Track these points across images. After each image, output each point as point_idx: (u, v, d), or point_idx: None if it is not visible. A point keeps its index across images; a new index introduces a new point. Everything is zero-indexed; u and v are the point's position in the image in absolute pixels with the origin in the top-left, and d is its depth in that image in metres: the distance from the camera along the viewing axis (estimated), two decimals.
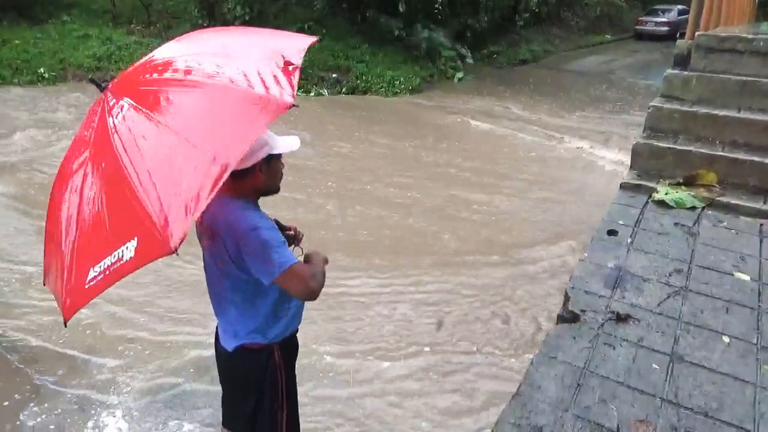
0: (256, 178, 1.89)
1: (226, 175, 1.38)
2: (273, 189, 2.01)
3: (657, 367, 2.61)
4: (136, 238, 1.37)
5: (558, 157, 9.16)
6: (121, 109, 1.61)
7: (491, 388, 3.67)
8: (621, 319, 2.92)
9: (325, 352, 3.90)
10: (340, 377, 3.71)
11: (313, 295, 1.89)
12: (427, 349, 4.04)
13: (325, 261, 2.05)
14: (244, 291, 1.97)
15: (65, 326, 1.55)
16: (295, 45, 1.85)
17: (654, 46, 23.02)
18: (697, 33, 4.81)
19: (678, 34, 24.64)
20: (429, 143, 9.66)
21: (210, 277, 2.07)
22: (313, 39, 1.98)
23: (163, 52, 1.87)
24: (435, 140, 9.86)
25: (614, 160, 8.78)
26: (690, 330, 2.83)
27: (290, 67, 1.70)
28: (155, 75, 1.74)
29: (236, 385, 2.22)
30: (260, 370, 2.10)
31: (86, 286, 1.43)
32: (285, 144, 1.94)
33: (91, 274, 1.42)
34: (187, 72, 1.68)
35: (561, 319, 3.01)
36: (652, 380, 2.53)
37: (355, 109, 12.00)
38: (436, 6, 15.85)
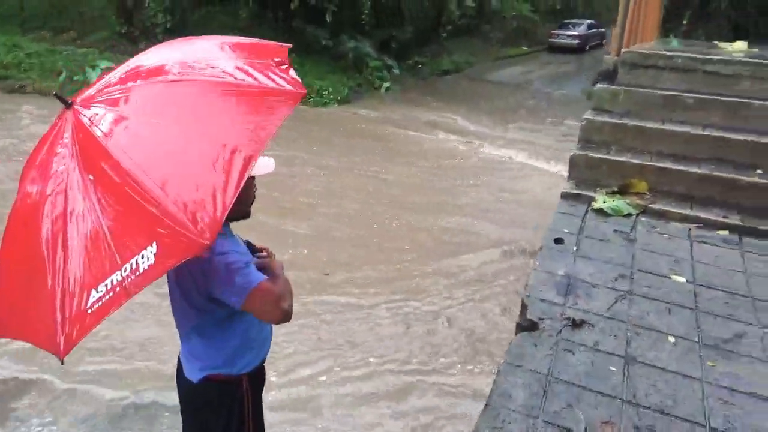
0: None
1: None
2: (243, 213, 1.92)
3: (614, 369, 2.75)
4: (154, 243, 1.30)
5: (487, 162, 9.48)
6: (107, 117, 1.52)
7: None
8: (576, 324, 3.06)
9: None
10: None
11: (285, 317, 1.80)
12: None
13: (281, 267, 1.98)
14: (212, 321, 1.89)
15: (62, 363, 1.43)
16: (276, 50, 1.81)
17: (566, 58, 24.38)
18: (623, 50, 5.14)
19: (587, 47, 26.24)
20: (366, 154, 9.72)
21: (174, 304, 1.96)
22: (287, 45, 1.92)
23: (135, 63, 1.77)
24: (370, 150, 9.94)
25: (539, 167, 9.20)
26: (639, 332, 3.01)
27: (283, 66, 1.68)
28: (139, 81, 1.64)
29: (200, 418, 2.11)
30: (227, 402, 2.02)
31: (89, 311, 1.33)
32: (258, 166, 1.88)
33: (94, 296, 1.33)
34: (181, 73, 1.61)
35: (520, 327, 3.11)
36: (611, 382, 2.67)
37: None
38: (363, 17, 16.01)
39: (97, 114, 1.53)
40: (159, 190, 1.33)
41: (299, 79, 1.62)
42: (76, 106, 1.58)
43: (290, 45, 1.92)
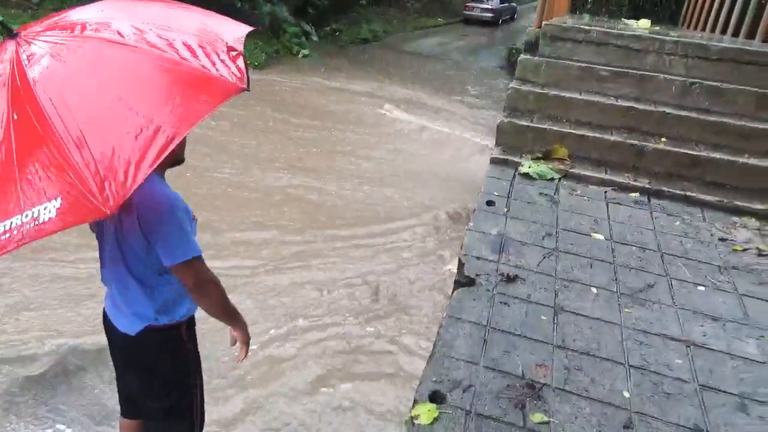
0: None
1: (170, 148, 1.35)
2: (180, 159, 1.92)
3: (545, 318, 2.98)
4: (59, 198, 1.28)
5: (408, 132, 9.63)
6: (43, 61, 1.46)
7: None
8: (510, 279, 3.27)
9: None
10: None
11: (201, 299, 1.85)
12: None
13: (244, 326, 2.03)
14: (152, 269, 1.86)
15: None
16: (234, 33, 1.78)
17: (480, 30, 24.98)
18: (543, 23, 5.38)
19: (500, 21, 26.97)
20: (289, 120, 9.56)
21: (109, 254, 1.90)
22: (249, 28, 1.90)
23: (87, 13, 1.68)
24: (292, 116, 9.79)
25: (464, 136, 9.47)
26: (566, 285, 3.27)
27: (233, 53, 1.65)
28: (86, 32, 1.56)
29: (141, 369, 2.08)
30: (170, 350, 2.02)
31: None
32: None
33: None
34: (127, 35, 1.55)
35: (458, 284, 3.28)
36: (543, 330, 2.90)
37: None
38: None
39: (35, 54, 1.47)
40: (75, 148, 1.31)
41: (244, 71, 1.59)
42: (19, 39, 1.51)
43: (253, 28, 1.89)
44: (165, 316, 1.95)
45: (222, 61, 1.58)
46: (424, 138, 9.35)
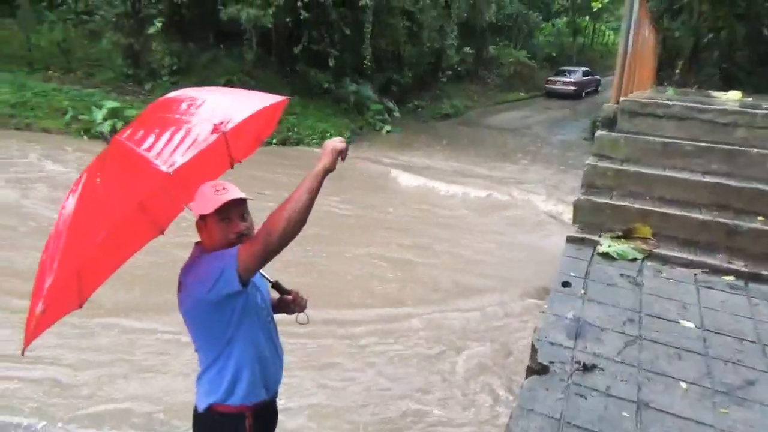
0: (208, 230, 1.91)
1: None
2: (229, 243, 1.91)
3: (627, 415, 2.74)
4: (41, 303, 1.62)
5: (495, 206, 9.55)
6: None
7: None
8: (587, 368, 3.05)
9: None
10: None
11: (273, 241, 1.73)
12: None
13: (323, 167, 1.79)
14: (211, 340, 1.92)
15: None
16: (249, 105, 1.87)
17: (562, 103, 24.90)
18: (621, 98, 5.28)
19: (583, 93, 26.80)
20: (368, 198, 9.80)
21: (189, 328, 1.99)
22: (279, 99, 1.99)
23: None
24: (371, 194, 10.03)
25: (547, 210, 9.27)
26: (650, 378, 3.01)
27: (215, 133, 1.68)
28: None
29: None
30: None
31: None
32: (198, 204, 1.91)
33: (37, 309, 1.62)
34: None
35: (531, 371, 3.11)
36: (624, 428, 2.65)
37: (291, 159, 12.00)
38: (364, 62, 16.41)
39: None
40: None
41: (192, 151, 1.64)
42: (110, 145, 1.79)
43: (287, 97, 2.05)
44: (227, 395, 1.95)
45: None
46: (502, 214, 9.25)
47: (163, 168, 1.55)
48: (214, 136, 1.65)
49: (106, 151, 1.81)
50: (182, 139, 1.64)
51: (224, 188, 1.89)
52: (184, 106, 1.82)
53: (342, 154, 1.80)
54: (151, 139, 1.67)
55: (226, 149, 2.06)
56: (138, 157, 1.63)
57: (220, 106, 1.78)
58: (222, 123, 1.68)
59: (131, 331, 4.72)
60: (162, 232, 2.09)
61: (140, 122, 1.88)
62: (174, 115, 1.78)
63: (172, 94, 1.96)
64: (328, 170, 1.77)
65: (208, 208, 1.86)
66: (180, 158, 1.58)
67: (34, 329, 1.67)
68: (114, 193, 1.64)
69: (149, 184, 1.62)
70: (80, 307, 1.88)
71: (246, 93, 2.01)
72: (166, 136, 1.66)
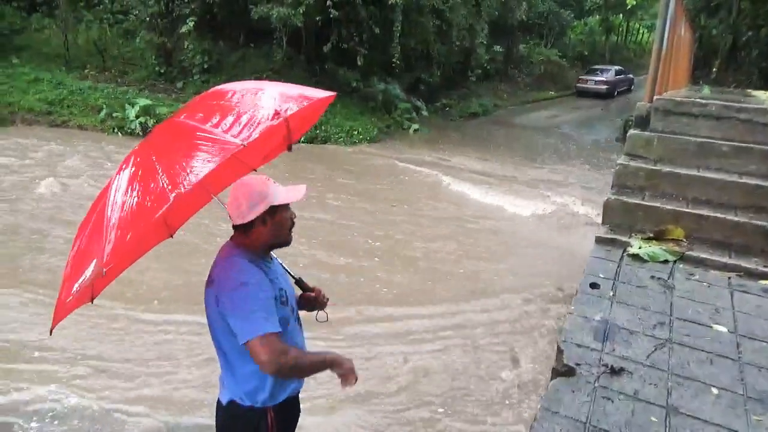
0: (259, 231, 1.89)
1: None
2: (281, 241, 1.97)
3: (655, 420, 2.67)
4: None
5: (524, 206, 9.44)
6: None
7: None
8: (615, 371, 2.99)
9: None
10: None
11: (275, 371, 1.80)
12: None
13: (333, 362, 1.96)
14: (233, 344, 1.87)
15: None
16: (297, 94, 1.88)
17: (593, 102, 24.48)
18: (655, 97, 5.16)
19: (615, 93, 26.29)
20: (396, 194, 9.80)
21: (209, 323, 1.98)
22: (328, 94, 2.01)
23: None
24: (399, 191, 10.02)
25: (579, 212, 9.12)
26: (680, 382, 2.93)
27: (277, 118, 1.72)
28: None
29: None
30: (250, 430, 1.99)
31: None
32: (287, 194, 1.91)
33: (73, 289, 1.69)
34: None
35: (557, 372, 3.06)
36: None
37: (318, 157, 12.08)
38: (392, 61, 16.40)
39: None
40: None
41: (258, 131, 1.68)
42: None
43: (334, 93, 2.04)
44: (248, 399, 1.95)
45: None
46: (528, 213, 9.13)
47: (237, 140, 1.60)
48: (277, 120, 1.70)
49: (159, 130, 1.86)
50: (249, 120, 1.68)
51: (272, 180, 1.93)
52: (239, 95, 1.84)
53: (349, 379, 1.98)
54: (215, 119, 1.72)
55: (287, 133, 2.04)
56: (206, 132, 1.68)
57: (279, 95, 1.81)
58: (283, 110, 1.73)
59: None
60: (171, 235, 2.11)
61: (193, 108, 1.89)
62: (232, 101, 1.81)
63: (223, 86, 1.99)
64: (333, 368, 1.95)
65: (298, 196, 1.91)
66: (253, 132, 1.63)
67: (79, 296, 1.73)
68: (179, 168, 1.60)
69: (223, 155, 1.59)
70: (92, 301, 1.90)
71: (296, 86, 2.02)
72: (231, 117, 1.71)
